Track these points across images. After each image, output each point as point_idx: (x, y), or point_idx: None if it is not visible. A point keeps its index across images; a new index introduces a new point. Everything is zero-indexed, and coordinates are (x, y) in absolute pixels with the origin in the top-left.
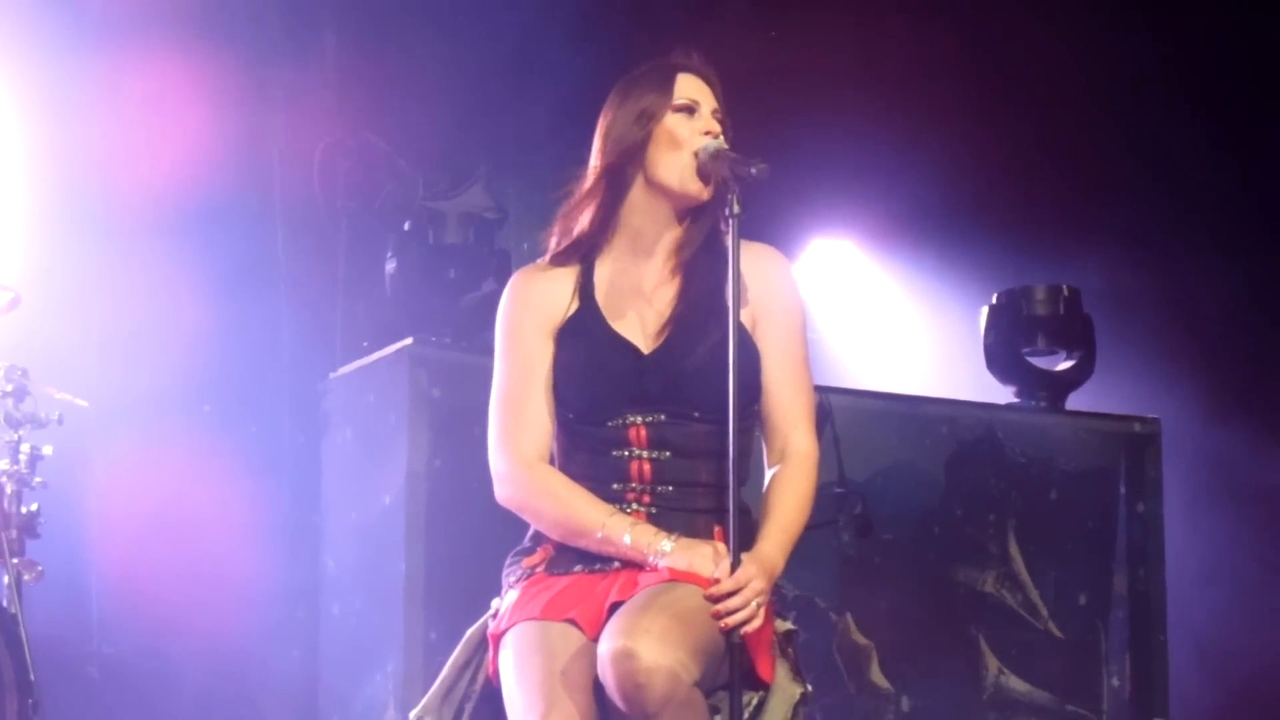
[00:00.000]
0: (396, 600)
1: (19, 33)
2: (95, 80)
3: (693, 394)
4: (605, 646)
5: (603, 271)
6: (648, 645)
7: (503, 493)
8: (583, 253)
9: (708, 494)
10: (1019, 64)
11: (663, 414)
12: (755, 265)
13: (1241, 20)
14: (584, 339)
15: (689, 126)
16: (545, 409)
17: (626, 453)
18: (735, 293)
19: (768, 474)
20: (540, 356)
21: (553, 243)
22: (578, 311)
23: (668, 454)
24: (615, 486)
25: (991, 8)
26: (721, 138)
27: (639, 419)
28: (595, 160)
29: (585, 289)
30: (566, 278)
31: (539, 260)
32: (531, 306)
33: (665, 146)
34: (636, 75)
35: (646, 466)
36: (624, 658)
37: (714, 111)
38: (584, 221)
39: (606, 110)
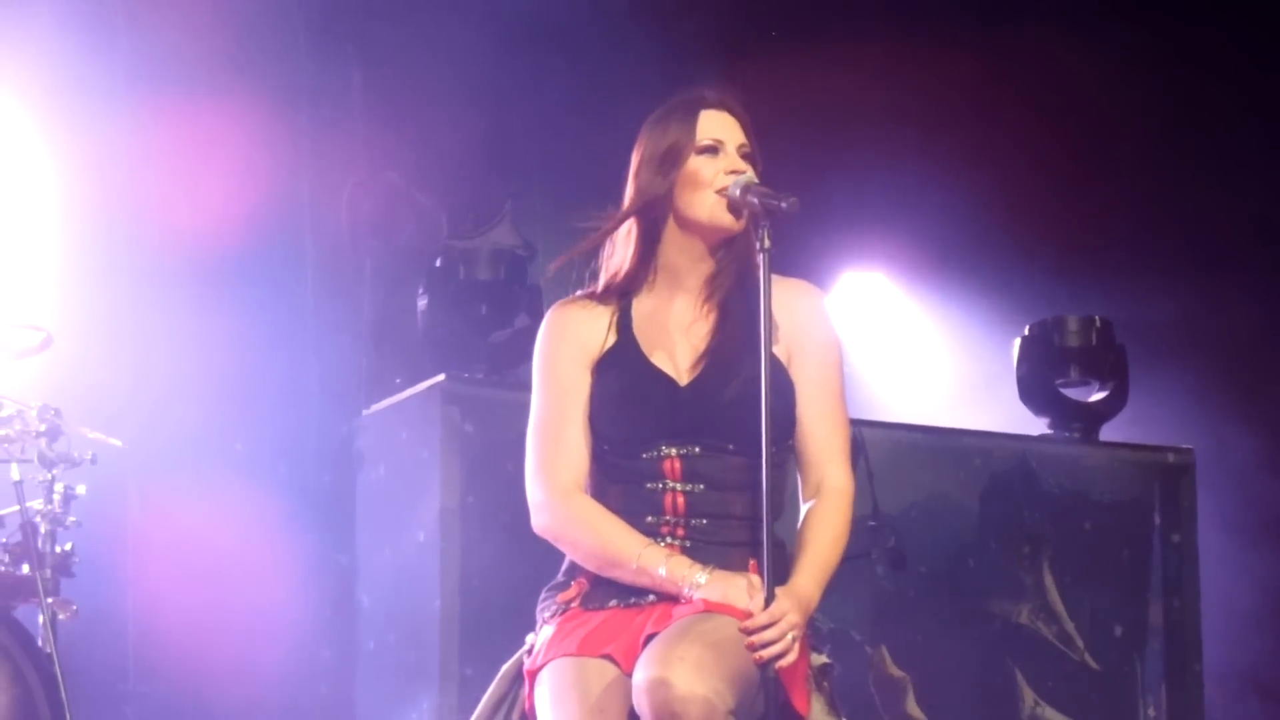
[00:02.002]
0: (432, 636)
1: (53, 79)
2: (127, 124)
3: (727, 427)
4: (640, 675)
5: (640, 308)
6: (683, 674)
7: (539, 522)
8: (620, 291)
9: (742, 527)
10: (1050, 95)
11: (697, 447)
12: (791, 300)
13: (1267, 42)
14: (620, 371)
15: (713, 167)
16: (582, 439)
17: (660, 485)
18: (766, 326)
19: (802, 508)
20: (578, 387)
21: (597, 282)
22: (616, 344)
23: (701, 486)
24: (650, 520)
25: (1022, 40)
26: (750, 172)
27: (673, 451)
28: (627, 202)
29: (623, 323)
30: (604, 313)
31: (577, 294)
32: (569, 338)
33: (690, 189)
34: (662, 113)
35: (680, 499)
36: (659, 686)
37: (740, 147)
38: (622, 263)
39: (636, 149)
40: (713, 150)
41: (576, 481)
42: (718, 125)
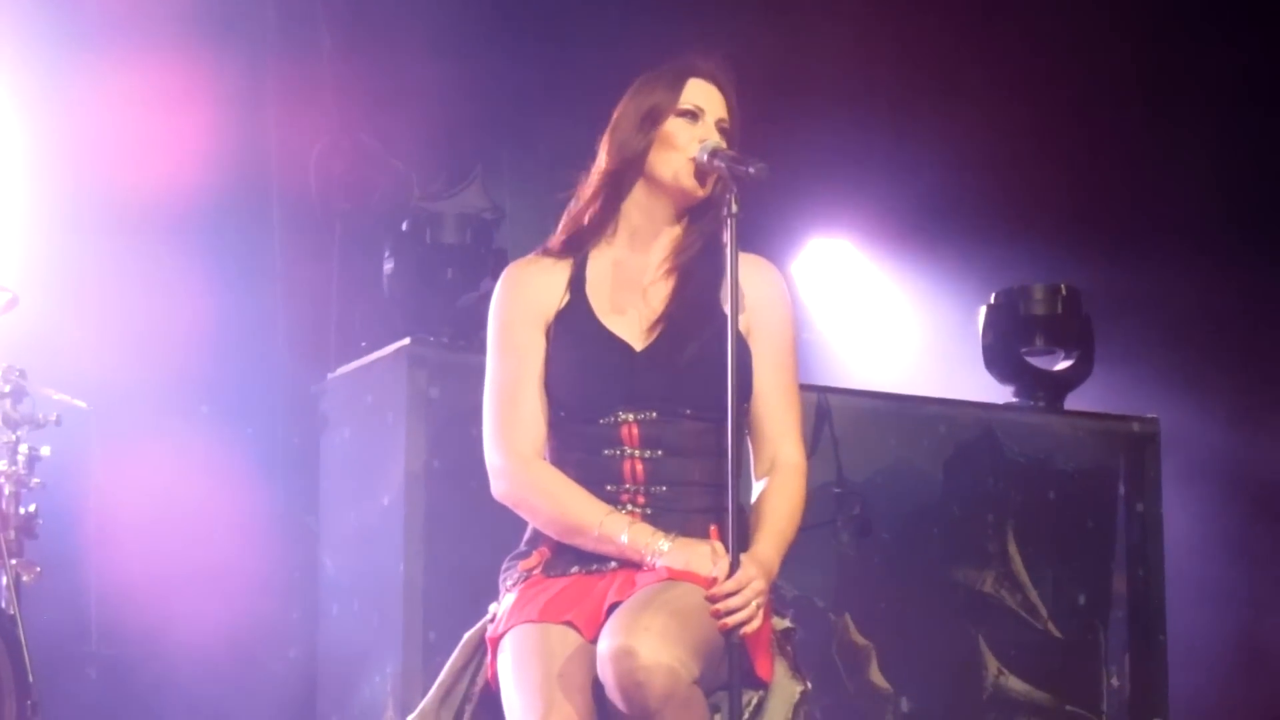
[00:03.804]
0: (395, 601)
1: (15, 33)
2: (91, 81)
3: (685, 392)
4: (604, 645)
5: (596, 265)
6: (647, 643)
7: (498, 488)
8: (577, 246)
9: (702, 493)
10: (1018, 62)
11: (654, 412)
12: (750, 276)
13: (1243, 19)
14: (575, 335)
15: (689, 132)
16: (539, 404)
17: (618, 451)
18: (734, 292)
19: (755, 484)
20: (534, 350)
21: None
22: (568, 305)
23: (660, 452)
24: (609, 488)
25: (989, 6)
26: (720, 139)
27: (631, 417)
28: (601, 156)
29: (577, 282)
30: (559, 270)
31: (532, 253)
32: (524, 300)
33: (662, 149)
34: (652, 74)
35: (639, 466)
36: (623, 656)
37: (719, 121)
38: (585, 217)
39: (620, 106)
40: (692, 116)
41: (535, 447)
42: (702, 94)
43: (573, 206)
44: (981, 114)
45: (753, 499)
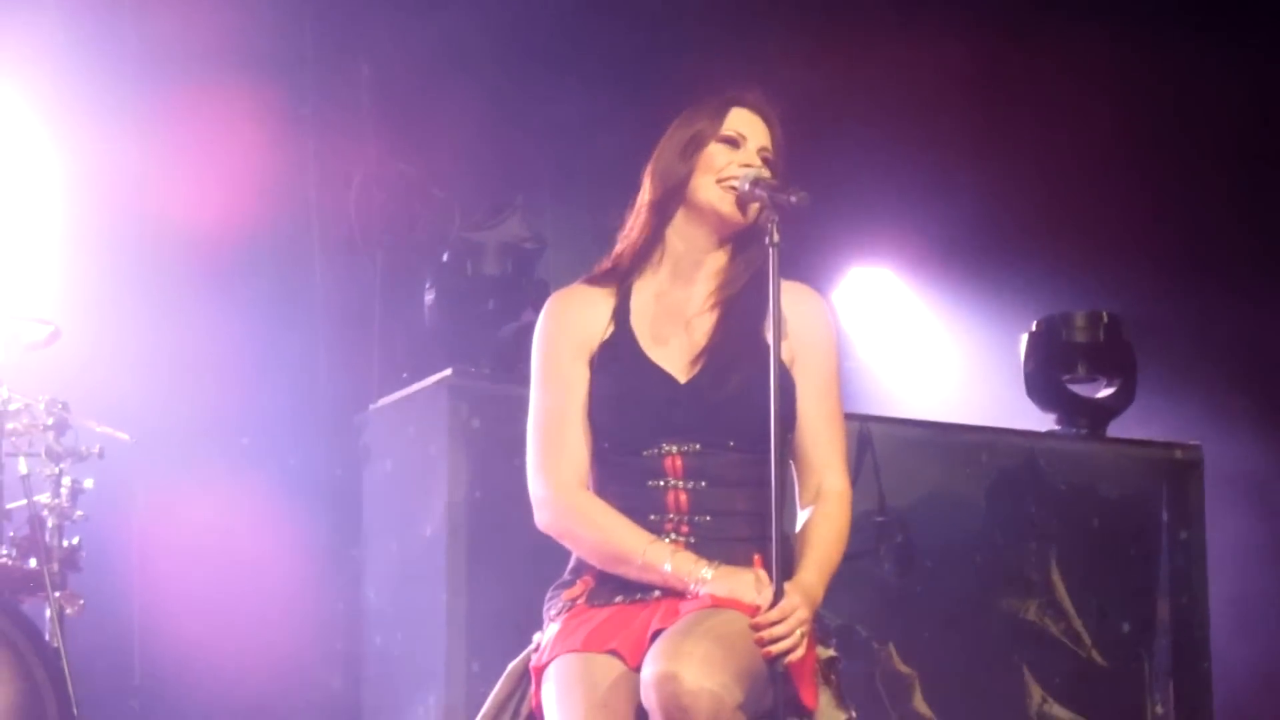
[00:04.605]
0: (439, 631)
1: (60, 73)
2: (132, 114)
3: (728, 424)
4: (649, 671)
5: (640, 296)
6: (691, 669)
7: (542, 519)
8: (621, 275)
9: (746, 523)
10: (1057, 90)
11: (698, 443)
12: (793, 305)
13: None
14: (619, 367)
15: (727, 157)
16: (583, 435)
17: (662, 482)
18: (776, 320)
19: (800, 512)
20: (578, 381)
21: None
22: (612, 336)
23: (704, 483)
24: (653, 518)
25: (1030, 36)
26: (764, 169)
27: (674, 448)
28: (645, 186)
29: (621, 313)
30: (603, 300)
31: (575, 283)
32: (568, 331)
33: (703, 174)
34: (696, 105)
35: (683, 496)
36: (668, 681)
37: (761, 149)
38: (630, 247)
39: (664, 137)
40: (733, 143)
41: (579, 478)
42: (745, 122)
43: (619, 238)
44: (1021, 142)
45: (797, 527)
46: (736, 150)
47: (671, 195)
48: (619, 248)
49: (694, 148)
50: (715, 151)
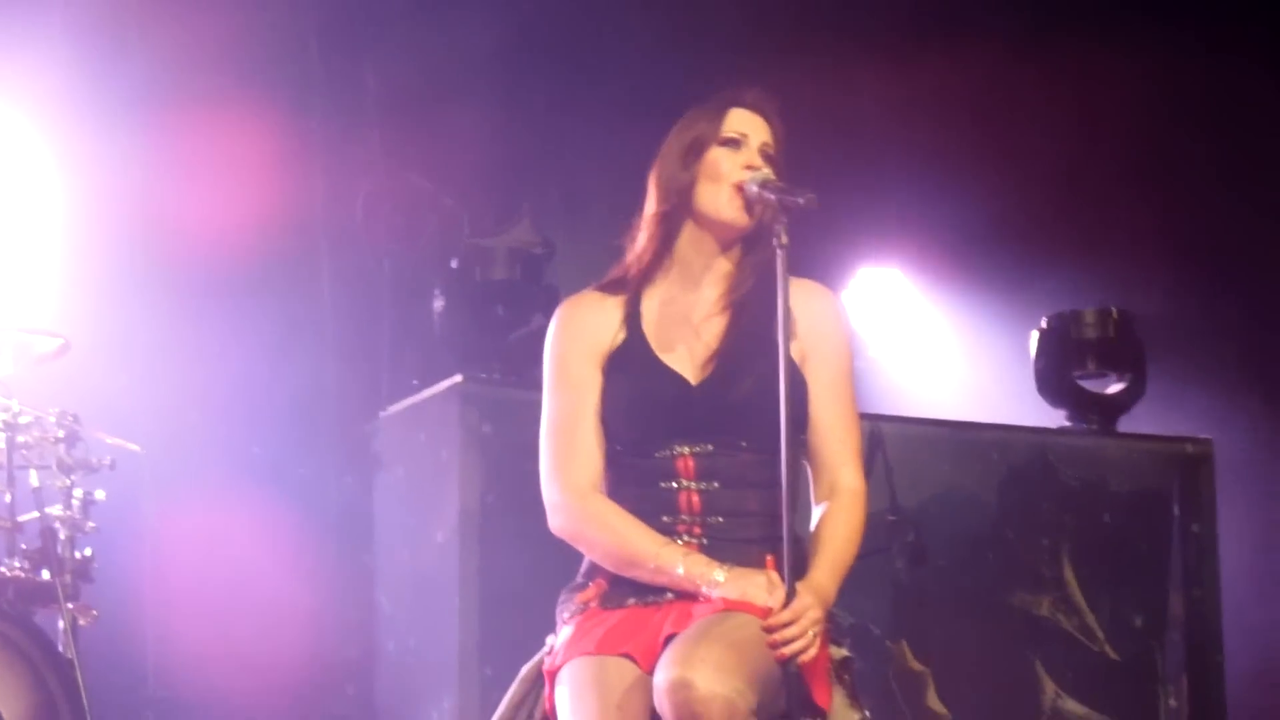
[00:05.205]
0: (451, 637)
1: (66, 87)
2: (141, 128)
3: (740, 425)
4: (661, 676)
5: (650, 302)
6: (704, 674)
7: (556, 523)
8: (632, 284)
9: (758, 524)
10: (1066, 86)
11: (710, 445)
12: (805, 302)
13: None
14: (631, 370)
15: (731, 160)
16: (596, 439)
17: (675, 484)
18: (784, 323)
19: (815, 510)
20: (590, 386)
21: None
22: (625, 341)
23: (716, 484)
24: (665, 519)
25: (1037, 35)
26: (768, 169)
27: (687, 450)
28: (650, 195)
29: (632, 319)
30: (614, 307)
31: (587, 289)
32: (579, 336)
33: (707, 180)
34: (695, 110)
35: (695, 498)
36: (681, 687)
37: (763, 146)
38: (638, 258)
39: (664, 143)
40: (734, 144)
41: (592, 481)
42: (744, 122)
43: (627, 246)
44: (1030, 139)
45: (811, 525)
46: (738, 151)
47: (677, 204)
48: (628, 258)
49: (695, 153)
50: (718, 156)
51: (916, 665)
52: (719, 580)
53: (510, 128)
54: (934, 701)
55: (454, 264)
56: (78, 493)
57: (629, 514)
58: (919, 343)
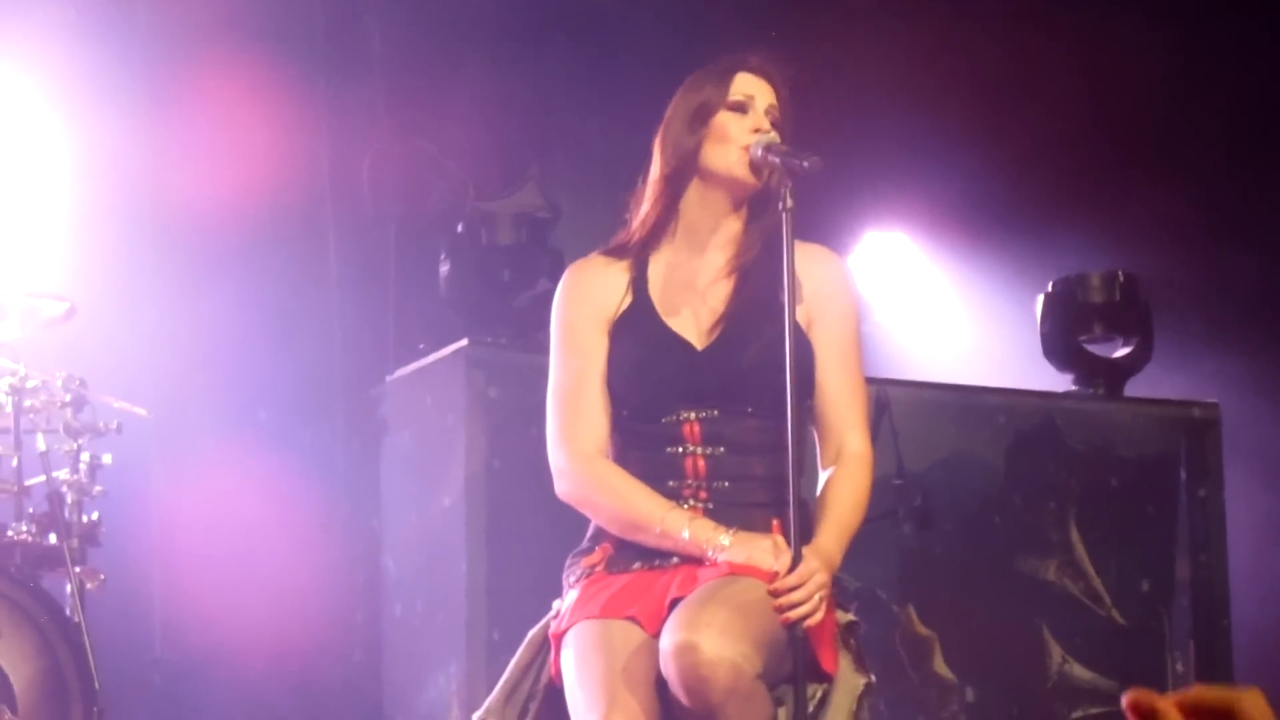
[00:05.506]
0: (459, 601)
1: (71, 50)
2: (146, 92)
3: (746, 390)
4: (667, 640)
5: (657, 266)
6: (710, 638)
7: (562, 487)
8: (637, 248)
9: (763, 488)
10: (1073, 51)
11: (716, 410)
12: (811, 266)
13: None
14: (637, 335)
15: (739, 124)
16: (602, 404)
17: (681, 449)
18: (790, 286)
19: (821, 474)
20: (596, 351)
21: (616, 237)
22: (631, 306)
23: (722, 449)
24: (671, 484)
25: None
26: (774, 133)
27: (692, 415)
28: (655, 158)
29: (639, 283)
30: (620, 271)
31: (593, 254)
32: (586, 301)
33: (715, 143)
34: (700, 72)
35: (701, 462)
36: (686, 651)
37: (769, 109)
38: (644, 221)
39: (671, 106)
40: (741, 108)
41: (598, 446)
42: (751, 85)
43: (632, 211)
44: (1036, 102)
45: (817, 490)
46: (745, 115)
47: (683, 167)
48: (634, 222)
49: (702, 117)
50: (725, 119)
51: (923, 630)
52: (724, 544)
53: (515, 91)
54: (940, 666)
55: (459, 228)
56: (85, 457)
57: (635, 479)
58: (925, 307)
